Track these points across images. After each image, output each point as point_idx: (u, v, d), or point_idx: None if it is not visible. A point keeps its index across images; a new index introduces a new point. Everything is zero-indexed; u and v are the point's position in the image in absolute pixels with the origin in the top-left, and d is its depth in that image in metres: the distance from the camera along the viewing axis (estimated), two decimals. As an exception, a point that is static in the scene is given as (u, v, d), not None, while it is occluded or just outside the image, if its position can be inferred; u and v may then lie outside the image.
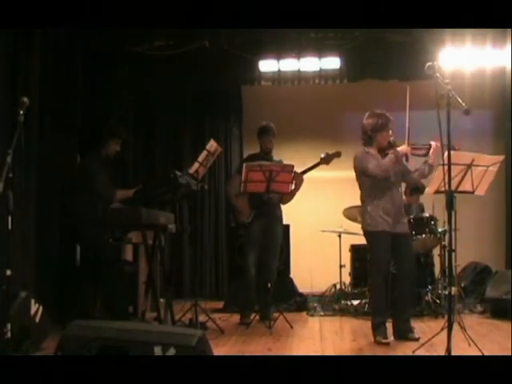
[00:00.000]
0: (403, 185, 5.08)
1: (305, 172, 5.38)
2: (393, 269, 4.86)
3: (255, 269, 5.56)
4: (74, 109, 5.72)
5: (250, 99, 7.78)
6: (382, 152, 4.56)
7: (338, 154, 5.52)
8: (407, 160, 4.54)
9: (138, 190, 5.03)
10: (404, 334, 4.56)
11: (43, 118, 5.16)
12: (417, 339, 4.44)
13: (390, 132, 4.57)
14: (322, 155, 5.48)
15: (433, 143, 4.45)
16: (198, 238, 7.59)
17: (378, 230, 4.51)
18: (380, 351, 4.29)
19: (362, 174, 4.60)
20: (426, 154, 4.52)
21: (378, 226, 4.51)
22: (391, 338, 4.56)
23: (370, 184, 4.57)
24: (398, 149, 4.44)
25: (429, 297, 5.78)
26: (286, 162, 5.17)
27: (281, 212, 5.70)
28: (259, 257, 5.56)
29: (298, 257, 6.95)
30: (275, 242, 5.53)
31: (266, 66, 7.31)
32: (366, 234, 4.64)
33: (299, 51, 7.16)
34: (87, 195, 4.89)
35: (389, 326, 4.63)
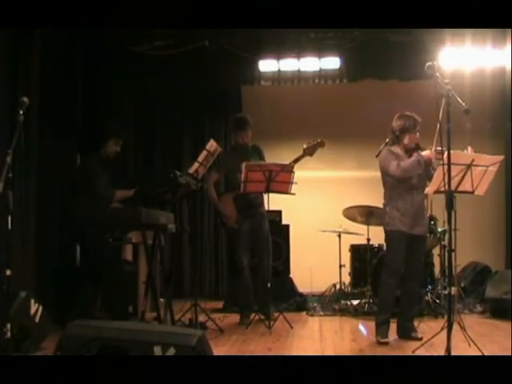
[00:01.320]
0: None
1: None
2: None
3: (250, 269, 5.58)
4: (74, 109, 5.72)
5: (250, 99, 7.77)
6: (408, 153, 4.57)
7: (321, 144, 5.44)
8: (431, 165, 4.51)
9: (138, 189, 5.04)
10: (408, 333, 4.60)
11: (43, 118, 5.16)
12: (420, 339, 4.45)
13: (418, 134, 4.58)
14: (305, 145, 5.41)
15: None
16: (198, 238, 7.58)
17: (394, 229, 4.55)
18: (380, 351, 4.29)
19: (385, 174, 4.63)
20: None
21: (395, 226, 4.54)
22: (393, 338, 4.57)
23: (392, 184, 4.60)
24: (423, 153, 4.42)
25: (429, 297, 5.78)
26: (285, 162, 5.16)
27: (265, 209, 5.65)
28: (253, 257, 5.59)
29: (297, 257, 6.95)
30: (266, 239, 5.52)
31: (266, 65, 7.30)
32: (385, 232, 4.67)
33: (299, 51, 7.16)
34: (87, 196, 4.89)
35: (391, 325, 4.66)
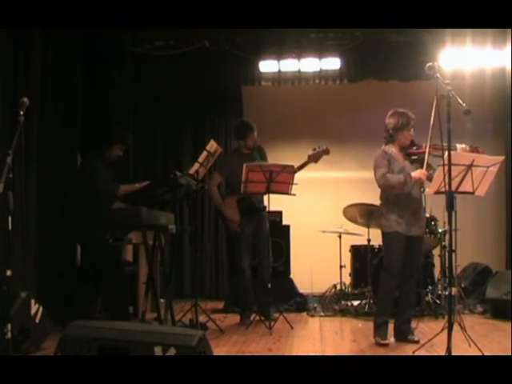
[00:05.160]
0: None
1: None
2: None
3: (251, 269, 5.58)
4: (74, 109, 5.72)
5: (250, 99, 7.77)
6: (404, 151, 4.56)
7: (326, 151, 5.38)
8: (422, 186, 4.52)
9: (141, 187, 5.04)
10: (404, 335, 4.56)
11: (43, 118, 5.16)
12: (416, 341, 4.42)
13: (412, 131, 4.56)
14: (310, 152, 5.37)
15: (458, 146, 4.28)
16: (199, 238, 7.58)
17: (391, 231, 4.52)
18: (380, 351, 4.29)
19: None
20: None
21: (392, 228, 4.51)
22: (392, 339, 4.56)
23: None
24: (412, 174, 4.38)
25: (429, 297, 5.78)
26: (285, 163, 5.15)
27: (266, 211, 5.65)
28: (253, 257, 5.61)
29: (298, 257, 6.95)
30: (265, 240, 5.53)
31: (267, 66, 7.31)
32: (382, 234, 4.65)
33: (299, 52, 7.17)
34: (90, 195, 4.88)
35: (390, 326, 4.65)
